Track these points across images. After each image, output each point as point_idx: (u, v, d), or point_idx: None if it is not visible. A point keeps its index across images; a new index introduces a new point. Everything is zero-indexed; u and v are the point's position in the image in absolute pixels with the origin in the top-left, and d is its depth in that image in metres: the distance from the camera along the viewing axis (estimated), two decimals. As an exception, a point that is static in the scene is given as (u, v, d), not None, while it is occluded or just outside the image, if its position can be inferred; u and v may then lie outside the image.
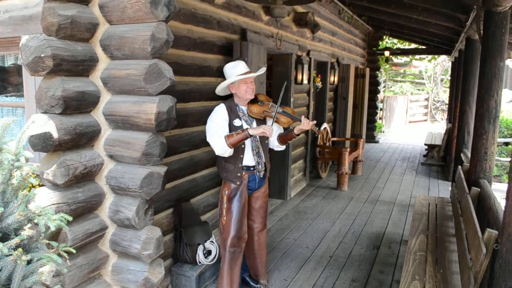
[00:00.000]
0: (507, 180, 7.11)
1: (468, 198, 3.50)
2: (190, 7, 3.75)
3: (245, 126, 3.23)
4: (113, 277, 2.90)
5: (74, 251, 2.29)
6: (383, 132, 15.76)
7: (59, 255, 2.18)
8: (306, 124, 3.17)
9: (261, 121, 3.37)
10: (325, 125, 8.03)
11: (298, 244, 4.71)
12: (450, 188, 7.13)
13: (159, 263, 2.93)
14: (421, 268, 3.06)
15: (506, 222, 2.17)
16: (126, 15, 2.62)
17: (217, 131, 3.12)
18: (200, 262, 3.57)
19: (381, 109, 16.08)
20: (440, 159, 9.80)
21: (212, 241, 3.71)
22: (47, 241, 2.26)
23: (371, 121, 12.71)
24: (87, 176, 2.68)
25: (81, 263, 2.67)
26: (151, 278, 2.84)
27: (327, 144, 8.14)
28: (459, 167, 4.87)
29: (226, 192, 3.31)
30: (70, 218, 2.24)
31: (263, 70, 3.42)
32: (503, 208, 2.31)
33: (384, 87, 18.92)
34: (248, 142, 3.27)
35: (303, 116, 3.24)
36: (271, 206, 6.00)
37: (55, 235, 2.53)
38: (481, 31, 4.36)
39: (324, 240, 4.86)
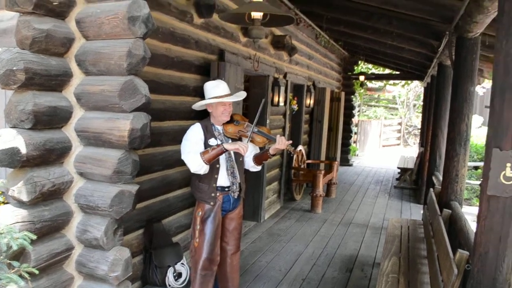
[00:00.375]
0: (477, 203, 7.26)
1: (439, 220, 3.54)
2: (169, 26, 3.75)
3: None
4: (79, 300, 2.79)
5: (36, 272, 2.18)
6: (357, 155, 15.95)
7: (21, 276, 2.07)
8: (282, 143, 3.17)
9: (237, 141, 3.35)
10: (300, 147, 8.07)
11: (271, 267, 4.65)
12: (422, 211, 7.23)
13: (126, 285, 2.83)
14: (394, 292, 3.06)
15: (477, 242, 2.20)
16: (103, 30, 2.59)
17: (192, 148, 3.08)
18: (170, 285, 3.48)
19: (355, 133, 16.32)
20: (412, 182, 9.96)
21: (183, 263, 3.63)
22: (8, 261, 2.15)
23: (346, 144, 12.86)
24: (55, 193, 2.59)
25: (44, 285, 2.55)
26: (119, 301, 2.74)
27: (302, 166, 8.16)
28: (431, 189, 4.94)
29: (200, 213, 3.25)
30: (34, 237, 2.14)
31: (243, 95, 3.42)
32: (474, 230, 2.34)
33: (359, 111, 19.25)
34: (223, 162, 3.24)
35: (278, 135, 3.24)
36: (245, 228, 5.94)
37: (18, 255, 2.43)
38: (453, 57, 4.49)
39: (297, 263, 4.82)
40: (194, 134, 3.17)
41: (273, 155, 3.34)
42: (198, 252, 3.22)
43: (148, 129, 2.68)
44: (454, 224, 3.54)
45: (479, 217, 2.24)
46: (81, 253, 2.75)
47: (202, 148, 3.14)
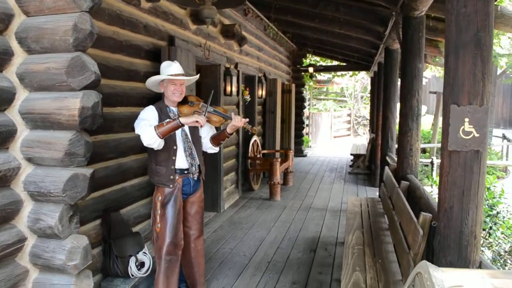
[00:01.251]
0: (429, 183, 7.50)
1: (398, 191, 3.61)
2: (115, 9, 3.60)
3: None
4: (35, 295, 2.60)
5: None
6: (310, 147, 16.18)
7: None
8: (238, 120, 3.13)
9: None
10: (255, 137, 8.05)
11: (235, 253, 4.59)
12: (377, 193, 7.43)
13: (87, 274, 2.68)
14: (361, 260, 3.08)
15: (441, 198, 2.24)
16: (45, 5, 2.42)
17: (146, 123, 2.95)
18: (132, 275, 3.34)
19: (307, 125, 16.55)
20: (366, 168, 10.21)
21: (145, 252, 3.49)
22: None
23: (299, 135, 13.00)
24: (1, 181, 2.39)
25: (-5, 280, 2.36)
26: (79, 291, 2.58)
27: (258, 156, 8.15)
28: (386, 167, 5.06)
29: (160, 197, 3.13)
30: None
31: (195, 77, 3.35)
32: (436, 192, 2.39)
33: (309, 105, 19.55)
34: (180, 143, 3.15)
35: (232, 113, 3.19)
36: (205, 219, 5.83)
37: (-37, 249, 2.23)
38: (401, 36, 4.62)
39: (261, 247, 4.79)
40: (149, 113, 3.05)
41: (231, 134, 3.28)
42: (161, 237, 3.10)
43: (100, 108, 2.54)
44: (413, 194, 3.63)
45: (441, 173, 2.29)
46: (34, 243, 2.57)
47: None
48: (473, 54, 2.17)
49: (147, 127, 2.89)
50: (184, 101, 3.23)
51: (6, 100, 2.44)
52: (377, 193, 7.47)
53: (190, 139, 3.23)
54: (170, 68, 3.12)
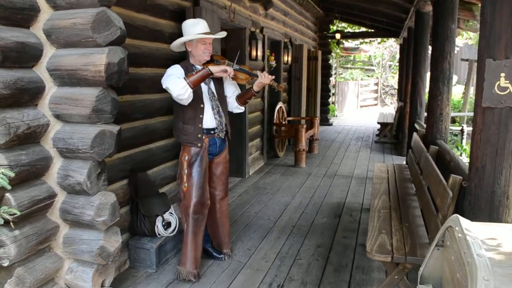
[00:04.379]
0: (458, 152, 7.30)
1: (427, 155, 3.52)
2: (140, -33, 3.53)
3: (202, 85, 3.09)
4: (65, 249, 2.67)
5: (18, 212, 2.07)
6: (336, 116, 15.97)
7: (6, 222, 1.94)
8: (265, 77, 3.08)
9: (219, 80, 3.23)
10: (280, 104, 7.97)
11: (260, 217, 4.61)
12: (404, 162, 7.30)
13: (115, 231, 2.74)
14: (387, 223, 3.04)
15: (473, 156, 2.16)
16: (69, -41, 2.39)
17: (174, 77, 2.93)
18: (159, 234, 3.39)
19: (333, 94, 16.29)
20: (393, 137, 10.03)
21: (171, 213, 3.53)
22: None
23: (325, 104, 12.81)
24: (31, 137, 2.43)
25: (28, 233, 2.41)
26: (107, 247, 2.64)
27: (283, 123, 8.09)
28: (414, 133, 4.94)
29: (186, 157, 3.14)
30: (12, 174, 2.01)
31: (223, 33, 3.28)
32: (468, 152, 2.31)
33: (335, 73, 19.22)
34: (207, 101, 3.12)
35: (259, 71, 3.14)
36: (230, 184, 5.86)
37: (-3, 202, 2.29)
38: (433, -4, 4.43)
39: (286, 212, 4.79)
40: (176, 70, 3.02)
41: (257, 92, 3.24)
42: (188, 197, 3.12)
43: (126, 64, 2.53)
44: (443, 158, 3.54)
45: (474, 131, 2.21)
46: (64, 200, 2.62)
47: None
48: (511, 5, 2.04)
49: (176, 79, 2.87)
50: (210, 60, 3.19)
51: (33, 56, 2.44)
52: (404, 162, 7.36)
53: (217, 97, 3.20)
54: (198, 27, 3.06)
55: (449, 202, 2.40)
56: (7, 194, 2.28)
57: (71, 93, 2.50)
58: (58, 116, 2.55)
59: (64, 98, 2.50)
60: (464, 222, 1.62)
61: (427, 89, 5.38)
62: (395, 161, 7.76)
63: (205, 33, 3.05)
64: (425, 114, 5.68)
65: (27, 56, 2.39)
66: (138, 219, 3.35)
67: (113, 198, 2.66)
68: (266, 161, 7.43)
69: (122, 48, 2.52)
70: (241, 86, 3.49)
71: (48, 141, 2.56)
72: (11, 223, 2.09)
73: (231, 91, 3.33)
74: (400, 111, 9.78)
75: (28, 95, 2.40)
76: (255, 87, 3.17)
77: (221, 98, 3.24)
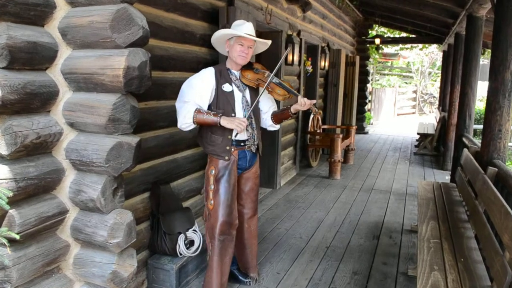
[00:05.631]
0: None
1: (485, 178, 3.09)
2: (170, -37, 3.27)
3: (236, 92, 2.81)
4: (76, 270, 2.41)
5: (17, 236, 1.81)
6: (372, 124, 15.42)
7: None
8: (304, 104, 2.75)
9: (254, 90, 2.93)
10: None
11: (291, 235, 4.27)
12: (447, 177, 6.80)
13: (130, 254, 2.45)
14: (439, 257, 2.64)
15: None
16: (89, -50, 2.13)
17: (192, 98, 2.69)
18: (181, 254, 3.10)
19: (369, 101, 15.74)
20: (433, 149, 9.46)
21: (195, 230, 3.25)
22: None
23: (361, 111, 12.33)
24: (41, 147, 2.18)
25: (33, 253, 2.16)
26: (120, 271, 2.36)
27: (318, 131, 7.72)
28: (465, 149, 4.48)
29: (213, 171, 2.84)
30: (10, 194, 1.75)
31: (266, 41, 2.98)
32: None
33: (372, 79, 18.62)
34: (239, 111, 2.82)
35: (300, 95, 2.81)
36: (260, 195, 5.55)
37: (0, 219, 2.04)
38: (494, -1, 3.97)
39: (319, 230, 4.43)
40: (202, 81, 2.74)
41: (294, 114, 2.93)
42: (214, 216, 2.82)
43: (148, 68, 2.25)
44: (504, 182, 3.10)
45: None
46: (76, 217, 2.36)
47: (204, 101, 2.74)
48: None
49: (188, 107, 2.68)
50: (249, 67, 2.92)
51: (47, 57, 2.19)
52: (446, 177, 6.86)
53: (251, 107, 2.89)
54: (243, 27, 2.81)
55: (522, 243, 2.00)
56: (11, 211, 2.04)
57: (87, 100, 2.23)
58: (72, 124, 2.29)
59: (79, 104, 2.24)
60: None
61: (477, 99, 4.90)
62: (436, 176, 7.27)
63: (246, 34, 2.76)
64: (474, 127, 5.20)
65: (39, 57, 2.13)
66: (158, 236, 3.07)
67: (130, 217, 2.38)
68: (299, 171, 7.07)
69: (145, 50, 2.24)
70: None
71: (61, 152, 2.30)
72: (8, 248, 1.83)
73: (267, 105, 3.03)
74: (442, 121, 9.22)
75: (39, 100, 2.15)
76: (293, 110, 2.88)
77: (255, 109, 2.94)
